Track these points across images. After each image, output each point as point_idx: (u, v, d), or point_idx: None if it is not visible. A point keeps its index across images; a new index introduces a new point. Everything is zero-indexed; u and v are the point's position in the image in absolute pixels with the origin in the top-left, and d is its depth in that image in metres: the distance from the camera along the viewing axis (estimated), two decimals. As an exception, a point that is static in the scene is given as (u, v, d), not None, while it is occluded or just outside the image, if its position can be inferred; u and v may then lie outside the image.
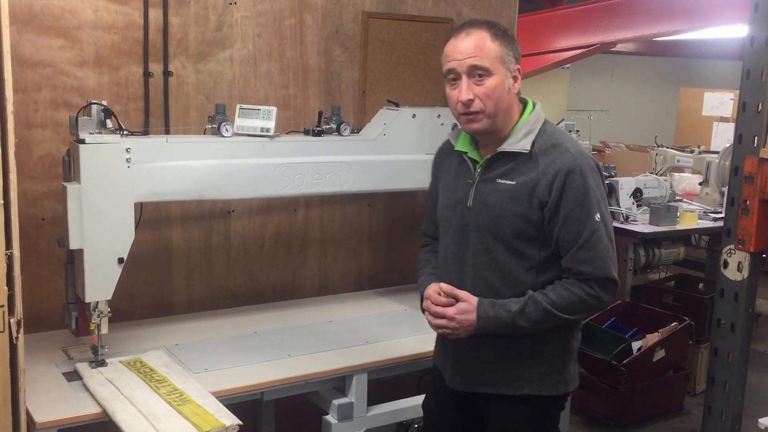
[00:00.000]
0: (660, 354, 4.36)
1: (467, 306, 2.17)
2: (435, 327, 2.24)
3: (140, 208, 2.69)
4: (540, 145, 2.17)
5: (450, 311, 2.18)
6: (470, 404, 2.36)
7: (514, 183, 2.16)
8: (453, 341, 2.28)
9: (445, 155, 2.40)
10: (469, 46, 2.11)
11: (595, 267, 2.13)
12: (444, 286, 2.22)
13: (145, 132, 2.83)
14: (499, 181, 2.18)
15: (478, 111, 2.13)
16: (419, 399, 2.65)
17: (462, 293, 2.19)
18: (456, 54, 2.13)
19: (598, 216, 2.13)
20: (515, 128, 2.20)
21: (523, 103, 2.26)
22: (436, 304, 2.22)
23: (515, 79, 2.17)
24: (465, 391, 2.33)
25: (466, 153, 2.27)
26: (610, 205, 5.13)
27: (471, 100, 2.12)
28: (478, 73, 2.11)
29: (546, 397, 2.27)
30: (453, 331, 2.20)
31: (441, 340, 2.42)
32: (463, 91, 2.12)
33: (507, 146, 2.18)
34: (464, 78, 2.12)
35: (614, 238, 2.18)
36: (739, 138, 2.21)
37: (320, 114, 3.05)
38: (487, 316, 2.16)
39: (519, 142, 2.17)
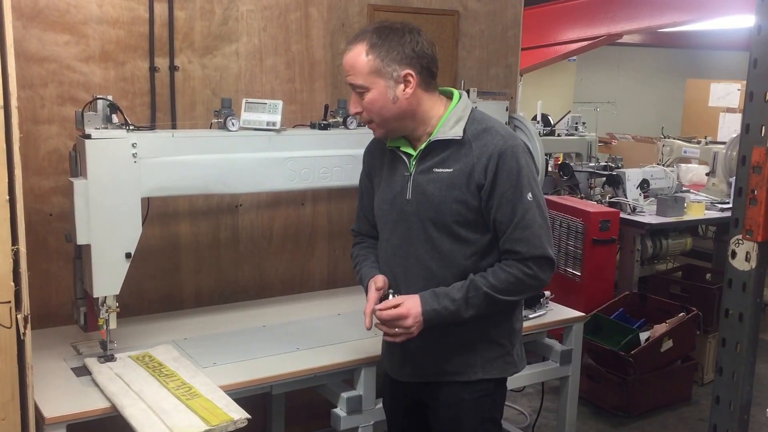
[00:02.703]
0: (668, 344, 4.36)
1: (412, 302, 2.18)
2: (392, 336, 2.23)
3: (147, 203, 2.69)
4: (472, 131, 2.20)
5: (402, 310, 2.17)
6: (421, 392, 2.37)
7: (451, 170, 2.19)
8: None
9: (377, 152, 2.41)
10: (346, 65, 2.18)
11: (531, 246, 2.16)
12: (383, 304, 2.21)
13: (152, 127, 2.84)
14: (436, 170, 2.21)
15: (368, 121, 2.22)
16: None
17: (401, 298, 2.20)
18: (344, 70, 2.21)
19: (530, 195, 2.17)
20: (444, 118, 2.22)
21: (449, 94, 2.29)
22: (384, 316, 2.20)
23: (407, 83, 2.16)
24: (415, 381, 2.35)
25: (398, 147, 2.29)
26: (616, 196, 5.26)
27: (359, 113, 2.21)
28: (357, 90, 2.18)
29: (494, 379, 2.32)
30: (410, 334, 2.19)
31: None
32: (351, 104, 2.22)
33: (440, 135, 2.21)
34: (353, 93, 2.20)
35: (548, 217, 2.24)
36: (746, 128, 2.19)
37: (326, 107, 3.05)
38: (432, 309, 2.17)
39: (451, 129, 2.20)
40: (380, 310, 2.21)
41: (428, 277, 2.23)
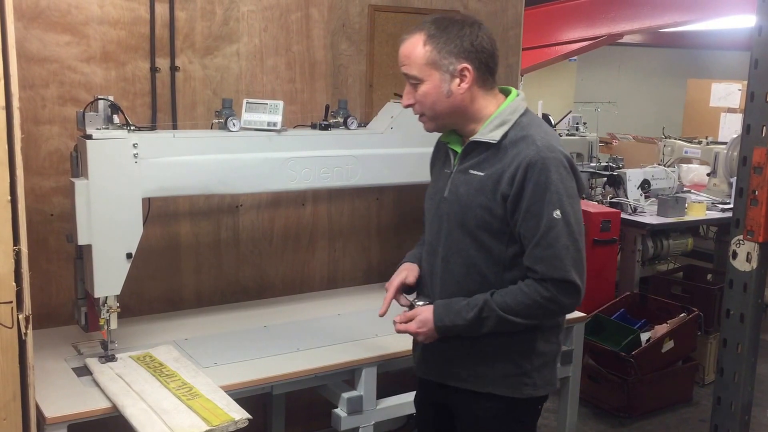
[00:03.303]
0: (669, 345, 4.35)
1: (425, 315, 2.17)
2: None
3: (148, 203, 2.69)
4: (511, 136, 2.10)
5: (412, 327, 2.19)
6: (445, 395, 2.33)
7: (483, 174, 2.11)
8: None
9: (440, 146, 2.36)
10: (402, 54, 2.12)
11: (550, 267, 2.03)
12: (400, 317, 2.23)
13: (153, 127, 2.83)
14: (471, 172, 2.14)
15: (421, 113, 2.17)
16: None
17: (417, 311, 2.20)
18: (398, 60, 2.15)
19: (558, 213, 2.03)
20: (490, 119, 2.14)
21: (507, 92, 2.21)
22: (400, 322, 2.22)
23: (463, 77, 2.09)
24: (433, 381, 2.34)
25: (448, 143, 2.26)
26: (617, 197, 5.25)
27: (411, 105, 2.16)
28: (411, 81, 2.13)
29: (514, 398, 2.20)
30: (423, 341, 2.22)
31: None
32: (404, 96, 2.16)
33: (478, 137, 2.14)
34: (407, 83, 2.15)
35: (582, 239, 2.08)
36: (747, 128, 2.20)
37: (327, 108, 3.05)
38: (443, 325, 2.15)
39: (490, 132, 2.12)
40: (397, 322, 2.23)
41: (450, 281, 2.19)
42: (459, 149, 2.21)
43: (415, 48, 2.09)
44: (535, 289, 2.05)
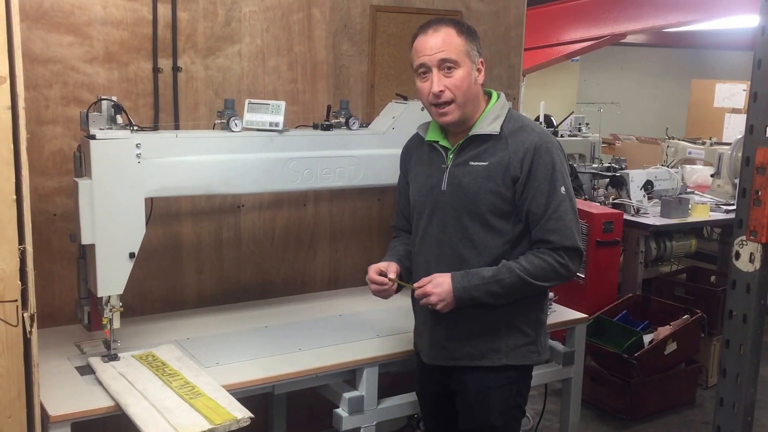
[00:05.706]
0: (672, 347, 4.34)
1: (441, 278, 2.32)
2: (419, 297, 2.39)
3: (150, 203, 2.70)
4: (508, 128, 2.36)
5: (428, 287, 2.33)
6: (449, 376, 2.49)
7: (486, 164, 2.34)
8: (430, 320, 2.45)
9: (414, 148, 2.58)
10: (438, 42, 2.30)
11: (563, 236, 2.31)
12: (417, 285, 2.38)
13: (155, 127, 2.84)
14: (472, 163, 2.36)
15: (449, 101, 2.31)
16: (430, 392, 2.67)
17: (432, 276, 2.35)
18: (426, 50, 2.31)
19: (563, 189, 2.32)
20: (483, 115, 2.39)
21: (488, 94, 2.46)
22: (418, 286, 2.37)
23: (479, 71, 2.37)
24: (443, 365, 2.48)
25: (437, 142, 2.44)
26: (620, 198, 5.25)
27: (442, 91, 2.30)
28: (447, 65, 2.30)
29: (519, 366, 2.45)
30: (436, 305, 2.33)
31: (418, 319, 2.60)
32: (435, 83, 2.30)
33: (478, 130, 2.36)
34: (435, 71, 2.30)
35: (577, 212, 2.38)
36: (750, 128, 2.19)
37: (329, 108, 3.05)
38: (462, 287, 2.30)
39: (489, 125, 2.36)
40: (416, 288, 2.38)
41: (461, 264, 2.35)
42: (449, 145, 2.41)
43: (452, 37, 2.30)
44: (551, 256, 2.31)
